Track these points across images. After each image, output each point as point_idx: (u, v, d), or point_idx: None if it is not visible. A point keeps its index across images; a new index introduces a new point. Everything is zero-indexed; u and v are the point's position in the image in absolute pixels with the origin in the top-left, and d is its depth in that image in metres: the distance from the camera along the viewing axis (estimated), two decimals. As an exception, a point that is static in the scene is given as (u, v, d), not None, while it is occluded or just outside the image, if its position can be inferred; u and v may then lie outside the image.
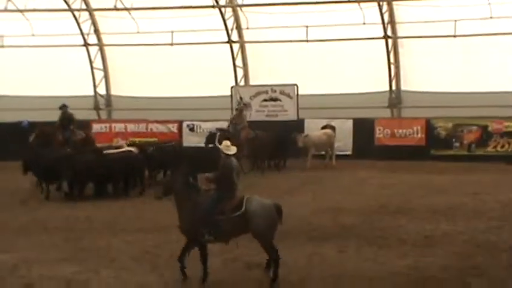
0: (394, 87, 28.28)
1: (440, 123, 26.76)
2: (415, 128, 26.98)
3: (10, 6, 29.02)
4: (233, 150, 11.44)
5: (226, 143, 11.58)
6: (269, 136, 25.25)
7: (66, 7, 29.42)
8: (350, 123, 27.47)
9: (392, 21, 27.60)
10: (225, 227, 11.02)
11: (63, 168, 18.99)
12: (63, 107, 24.50)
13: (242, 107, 25.07)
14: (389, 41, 27.83)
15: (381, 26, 27.50)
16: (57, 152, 20.64)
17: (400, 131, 27.16)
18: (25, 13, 29.29)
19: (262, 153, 24.66)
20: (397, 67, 28.15)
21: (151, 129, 29.02)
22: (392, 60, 28.01)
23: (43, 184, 19.85)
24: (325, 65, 28.19)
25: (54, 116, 28.17)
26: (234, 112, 24.89)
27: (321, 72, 28.12)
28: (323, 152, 26.15)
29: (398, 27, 27.79)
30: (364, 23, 27.19)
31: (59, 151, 21.08)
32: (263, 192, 20.03)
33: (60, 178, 19.44)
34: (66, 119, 24.21)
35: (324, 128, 26.91)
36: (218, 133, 24.10)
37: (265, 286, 10.95)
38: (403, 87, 28.29)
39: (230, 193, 11.21)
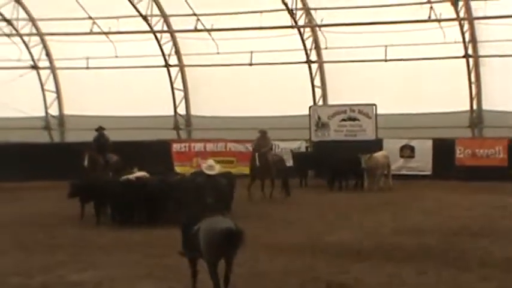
0: (475, 107, 27.90)
1: (523, 143, 26.24)
2: (497, 148, 26.51)
3: (95, 29, 29.80)
4: (216, 170, 11.43)
5: (210, 162, 11.57)
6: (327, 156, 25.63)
7: (148, 29, 30.05)
8: (430, 143, 27.20)
9: (473, 40, 27.26)
10: (191, 244, 10.98)
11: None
12: (100, 129, 24.66)
13: (265, 129, 24.19)
14: (471, 59, 27.47)
15: (462, 44, 27.20)
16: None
17: (482, 151, 26.74)
18: (109, 35, 30.03)
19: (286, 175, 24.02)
20: (478, 86, 27.75)
21: (229, 148, 29.30)
22: (473, 79, 27.65)
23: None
24: (404, 84, 28.02)
25: (137, 136, 28.83)
26: (258, 134, 24.01)
27: (400, 92, 27.94)
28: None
29: (479, 45, 27.41)
30: (444, 42, 26.91)
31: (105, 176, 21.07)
32: (339, 211, 20.07)
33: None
34: (105, 141, 24.40)
35: (402, 148, 26.86)
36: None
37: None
38: (484, 107, 27.88)
39: (201, 211, 11.03)
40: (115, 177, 20.28)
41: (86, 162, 23.47)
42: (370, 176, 24.99)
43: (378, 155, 25.42)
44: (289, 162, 27.41)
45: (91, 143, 24.57)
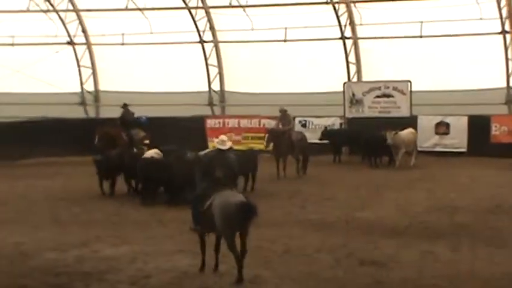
0: (511, 84, 27.53)
1: (560, 120, 25.92)
2: (532, 125, 26.25)
3: (130, 5, 29.93)
4: (227, 145, 11.60)
5: (222, 137, 11.73)
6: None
7: (183, 5, 30.09)
8: (465, 120, 26.98)
9: (510, 16, 26.86)
10: (203, 219, 11.12)
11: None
12: (125, 106, 24.67)
13: (285, 108, 24.05)
14: (507, 36, 27.10)
15: (499, 20, 26.83)
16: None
17: (517, 128, 26.49)
18: (144, 11, 30.13)
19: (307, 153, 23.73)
20: (515, 63, 27.40)
21: (263, 124, 29.25)
22: (510, 55, 27.27)
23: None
24: (439, 60, 27.75)
25: (171, 112, 28.93)
26: (279, 113, 24.09)
27: (435, 68, 27.69)
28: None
29: (517, 21, 27.04)
30: (480, 18, 26.58)
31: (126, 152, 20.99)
32: (372, 188, 20.03)
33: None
34: (130, 118, 24.42)
35: (437, 124, 26.75)
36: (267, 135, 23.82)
37: (377, 283, 10.92)
38: (521, 84, 27.54)
39: (212, 187, 11.18)
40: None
41: (96, 141, 23.29)
42: (395, 153, 24.79)
43: (403, 132, 25.10)
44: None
45: (116, 120, 24.70)
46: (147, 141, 20.39)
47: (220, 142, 11.66)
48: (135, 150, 21.93)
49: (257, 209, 10.81)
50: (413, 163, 24.94)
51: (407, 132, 25.22)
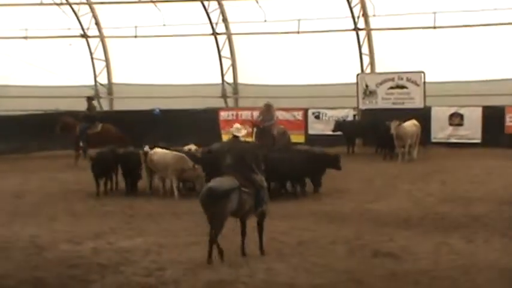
0: (527, 73, 27.38)
1: None
2: (548, 116, 26.10)
3: (143, -2, 30.01)
4: (242, 132, 12.09)
5: (237, 125, 12.22)
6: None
7: (196, -3, 30.11)
8: (479, 111, 26.84)
9: (525, 6, 26.72)
10: None
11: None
12: (88, 99, 25.43)
13: (270, 103, 23.50)
14: (521, 25, 26.97)
15: (512, 11, 26.70)
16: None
17: (533, 118, 26.34)
18: (157, 4, 30.14)
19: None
20: (530, 52, 27.23)
21: (277, 116, 29.18)
22: (524, 45, 27.13)
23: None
24: (453, 51, 27.62)
25: (184, 104, 28.94)
26: (263, 107, 23.47)
27: (449, 59, 27.56)
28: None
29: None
30: (495, 9, 26.42)
31: None
32: (386, 180, 19.99)
33: None
34: (90, 111, 25.23)
35: (451, 116, 26.63)
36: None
37: (391, 274, 10.91)
38: (536, 73, 27.37)
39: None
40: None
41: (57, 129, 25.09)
42: (398, 145, 24.37)
43: (406, 124, 24.46)
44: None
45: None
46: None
47: (235, 130, 12.06)
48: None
49: (217, 199, 11.12)
50: (415, 156, 24.56)
51: (410, 124, 24.74)
